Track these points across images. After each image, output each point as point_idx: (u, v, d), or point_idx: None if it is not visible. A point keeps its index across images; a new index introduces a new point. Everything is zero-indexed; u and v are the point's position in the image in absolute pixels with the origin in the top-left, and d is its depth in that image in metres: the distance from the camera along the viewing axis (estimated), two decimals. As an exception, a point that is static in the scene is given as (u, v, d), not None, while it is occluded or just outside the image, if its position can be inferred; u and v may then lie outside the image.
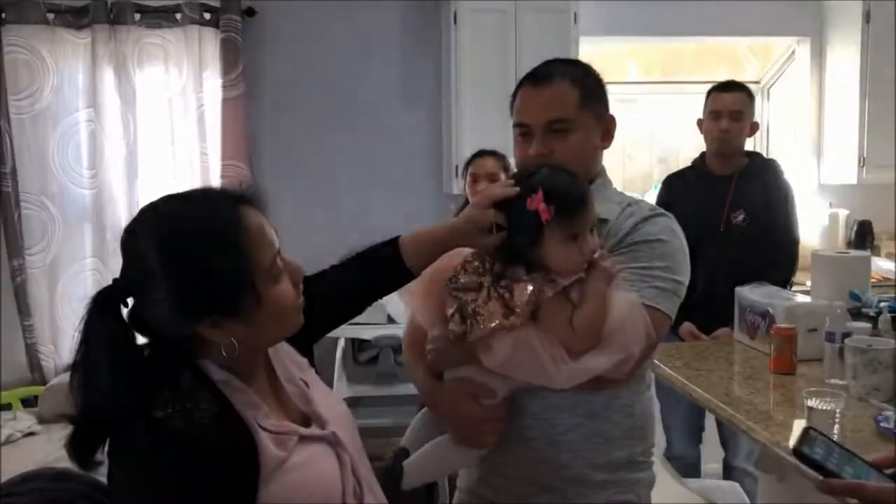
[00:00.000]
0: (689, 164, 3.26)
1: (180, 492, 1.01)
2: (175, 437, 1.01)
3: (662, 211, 1.56)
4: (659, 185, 3.39)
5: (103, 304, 1.08)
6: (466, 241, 1.38)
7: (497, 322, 1.33)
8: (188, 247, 1.06)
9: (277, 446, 1.10)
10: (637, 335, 1.35)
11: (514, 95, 1.59)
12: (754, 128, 3.10)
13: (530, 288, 1.33)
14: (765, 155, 3.78)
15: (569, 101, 1.51)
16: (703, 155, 3.18)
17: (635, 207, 1.55)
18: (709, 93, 3.12)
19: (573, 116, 1.51)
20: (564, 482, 1.50)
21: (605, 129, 1.58)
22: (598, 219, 1.46)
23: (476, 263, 1.40)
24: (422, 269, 1.40)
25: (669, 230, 1.52)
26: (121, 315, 1.09)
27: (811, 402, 1.82)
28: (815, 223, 4.40)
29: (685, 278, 1.50)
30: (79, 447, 1.06)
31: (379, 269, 1.40)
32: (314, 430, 1.19)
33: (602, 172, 1.61)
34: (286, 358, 1.28)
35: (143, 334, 1.12)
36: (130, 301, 1.11)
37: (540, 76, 1.54)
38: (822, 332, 2.28)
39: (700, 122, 3.14)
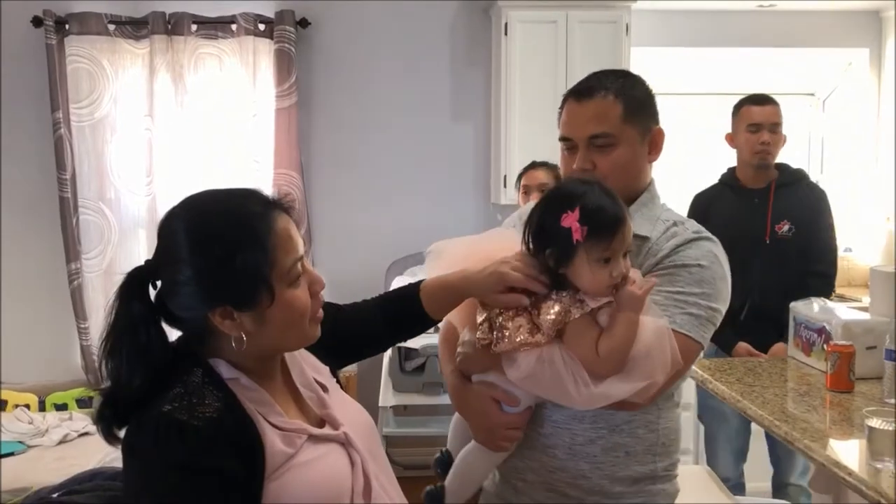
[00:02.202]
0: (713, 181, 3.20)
1: (180, 486, 1.03)
2: (177, 430, 1.04)
3: (708, 235, 1.53)
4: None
5: (133, 283, 1.13)
6: (484, 295, 1.40)
7: (522, 338, 1.34)
8: (215, 235, 1.11)
9: (285, 443, 1.12)
10: (663, 363, 1.33)
11: (561, 108, 1.59)
12: (785, 140, 3.09)
13: (557, 308, 1.33)
14: (821, 169, 3.71)
15: (611, 116, 1.50)
16: (731, 169, 3.13)
17: (679, 228, 1.53)
18: (739, 106, 3.08)
19: (615, 131, 1.50)
20: (582, 492, 1.50)
21: (653, 141, 1.56)
22: (637, 236, 1.44)
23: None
24: (442, 316, 1.45)
25: (711, 255, 1.49)
26: (148, 296, 1.14)
27: (872, 422, 1.77)
28: (873, 237, 4.29)
29: (723, 306, 1.48)
30: (103, 424, 1.11)
31: (401, 313, 1.45)
32: (326, 431, 1.20)
33: (650, 186, 1.59)
34: (304, 362, 1.29)
35: (167, 322, 1.16)
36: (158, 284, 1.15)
37: (583, 90, 1.54)
38: (881, 349, 2.22)
39: (730, 137, 3.10)
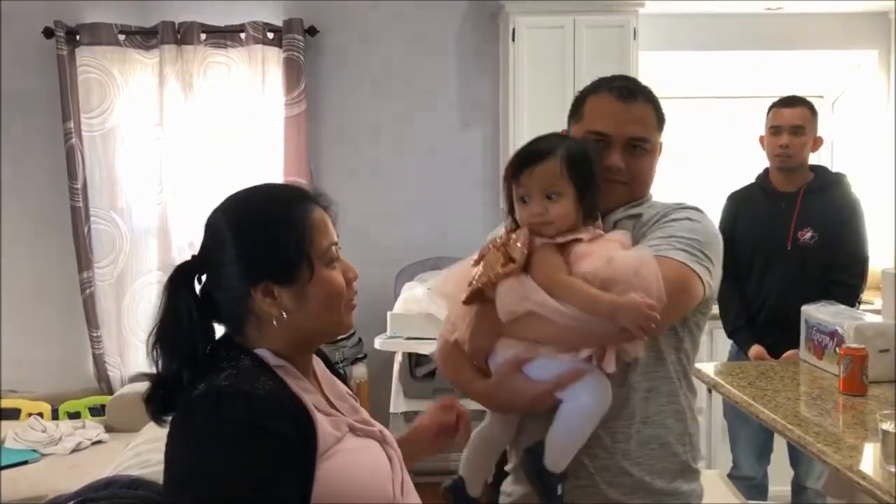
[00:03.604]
0: (750, 181, 3.20)
1: (247, 448, 1.05)
2: (241, 396, 1.08)
3: (693, 206, 1.59)
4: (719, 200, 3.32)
5: (181, 275, 1.20)
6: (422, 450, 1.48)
7: (497, 270, 1.41)
8: (256, 217, 1.20)
9: (332, 426, 1.16)
10: (646, 290, 1.35)
11: (582, 101, 1.60)
12: (818, 142, 3.04)
13: (523, 234, 1.43)
14: (831, 169, 3.69)
15: (650, 123, 1.57)
16: (766, 171, 3.11)
17: (670, 205, 1.59)
18: (769, 109, 3.07)
19: (652, 138, 1.57)
20: (624, 491, 1.50)
21: (658, 151, 1.64)
22: (631, 215, 1.55)
23: (501, 235, 1.50)
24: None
25: (699, 214, 1.55)
26: (194, 289, 1.20)
27: (885, 426, 1.77)
28: (884, 240, 4.27)
29: (716, 259, 1.50)
30: (153, 406, 1.17)
31: None
32: (363, 426, 1.24)
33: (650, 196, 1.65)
34: (333, 379, 1.34)
35: (213, 317, 1.22)
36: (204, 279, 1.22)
37: (624, 91, 1.56)
38: (894, 352, 2.21)
39: (762, 139, 3.09)
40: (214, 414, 1.07)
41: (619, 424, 1.50)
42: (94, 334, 4.01)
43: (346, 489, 1.13)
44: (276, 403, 1.09)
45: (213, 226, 1.21)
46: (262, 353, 1.18)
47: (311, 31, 4.04)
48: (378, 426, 1.27)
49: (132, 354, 4.03)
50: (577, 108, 1.61)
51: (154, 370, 1.17)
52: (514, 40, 3.90)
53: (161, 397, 1.16)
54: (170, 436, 1.13)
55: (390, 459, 1.24)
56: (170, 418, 1.15)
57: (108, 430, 3.61)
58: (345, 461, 1.14)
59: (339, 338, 3.02)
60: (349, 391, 1.36)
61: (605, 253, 1.42)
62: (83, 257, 3.96)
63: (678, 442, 1.55)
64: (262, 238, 1.17)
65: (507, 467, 1.67)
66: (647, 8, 3.92)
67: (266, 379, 1.12)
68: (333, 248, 1.21)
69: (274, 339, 1.18)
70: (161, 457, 1.94)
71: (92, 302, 3.99)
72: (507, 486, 1.67)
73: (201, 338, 1.17)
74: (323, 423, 1.14)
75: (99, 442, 3.51)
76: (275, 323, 1.17)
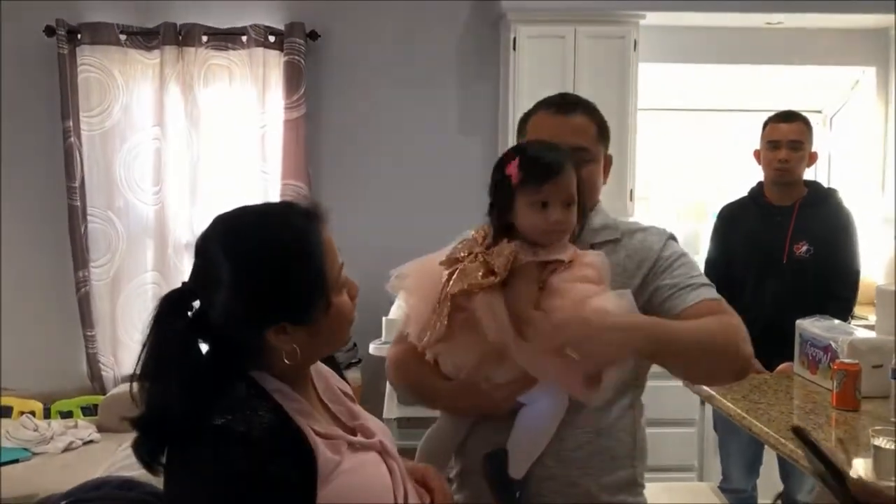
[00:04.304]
0: (743, 194, 3.21)
1: (244, 495, 1.03)
2: (238, 441, 1.04)
3: (660, 229, 1.65)
4: (715, 215, 3.33)
5: (173, 306, 1.12)
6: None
7: (474, 279, 1.40)
8: (267, 255, 1.11)
9: (332, 450, 1.13)
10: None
11: (525, 122, 1.66)
12: (814, 157, 3.06)
13: (508, 250, 1.41)
14: (825, 185, 3.70)
15: (590, 133, 1.61)
16: (760, 185, 3.13)
17: (644, 233, 1.62)
18: (766, 123, 3.08)
19: (592, 147, 1.60)
20: (569, 501, 1.51)
21: (606, 165, 1.67)
22: (609, 240, 1.58)
23: (471, 239, 1.50)
24: None
25: (681, 247, 1.63)
26: (188, 318, 1.13)
27: (878, 441, 1.78)
28: (878, 256, 4.29)
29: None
30: (144, 450, 1.09)
31: None
32: (361, 439, 1.22)
33: (599, 202, 1.68)
34: (328, 375, 1.31)
35: (205, 341, 1.15)
36: (196, 305, 1.14)
37: (562, 105, 1.62)
38: (887, 368, 2.22)
39: (757, 153, 3.10)
40: (213, 459, 1.03)
41: (571, 433, 1.51)
42: (89, 333, 4.00)
43: None
44: (273, 446, 1.05)
45: (209, 259, 1.12)
46: (259, 376, 1.14)
47: (313, 36, 4.05)
48: (378, 437, 1.24)
49: (126, 354, 4.02)
50: (522, 127, 1.67)
51: (139, 411, 1.08)
52: (514, 49, 3.91)
53: (156, 439, 1.08)
54: (167, 470, 1.08)
55: (391, 471, 1.22)
56: (164, 458, 1.09)
57: (101, 429, 3.60)
58: (344, 483, 1.12)
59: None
60: (347, 388, 1.33)
61: (577, 295, 1.41)
62: (79, 256, 3.96)
63: (628, 456, 1.56)
64: (275, 282, 1.09)
65: (451, 474, 1.67)
66: (647, 20, 3.93)
67: (264, 413, 1.08)
68: (342, 271, 1.16)
69: (275, 364, 1.14)
70: (153, 458, 1.93)
71: (87, 301, 3.98)
72: (453, 493, 1.64)
73: (194, 368, 1.10)
74: (323, 451, 1.11)
75: (91, 442, 3.51)
76: (285, 359, 1.12)
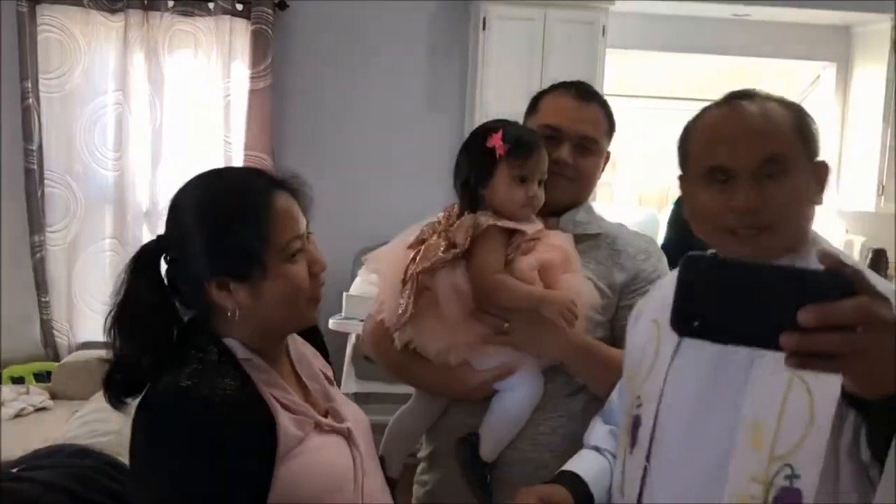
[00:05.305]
0: None
1: (200, 457, 1.05)
2: (200, 403, 1.06)
3: (649, 240, 1.67)
4: (674, 203, 3.40)
5: (147, 255, 1.16)
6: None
7: (436, 254, 1.43)
8: (216, 209, 1.15)
9: (296, 426, 1.14)
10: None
11: (539, 98, 1.65)
12: None
13: (469, 221, 1.44)
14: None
15: (601, 126, 1.61)
16: None
17: (643, 246, 1.63)
18: None
19: (601, 140, 1.61)
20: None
21: (605, 161, 1.68)
22: (589, 234, 1.60)
23: (437, 220, 1.52)
24: None
25: (659, 252, 1.65)
26: (159, 271, 1.17)
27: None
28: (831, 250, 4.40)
29: None
30: (111, 394, 1.14)
31: None
32: (330, 421, 1.22)
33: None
34: (310, 355, 1.32)
35: (178, 301, 1.19)
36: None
37: (582, 92, 1.61)
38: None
39: None
40: (174, 417, 1.06)
41: (545, 417, 1.53)
42: (43, 299, 3.94)
43: (306, 490, 1.12)
44: (234, 413, 1.07)
45: (175, 208, 1.18)
46: (231, 343, 1.16)
47: (281, 6, 3.99)
48: (347, 423, 1.24)
49: (81, 322, 3.97)
50: (534, 105, 1.66)
51: (111, 352, 1.13)
52: (484, 29, 3.91)
53: (120, 381, 1.13)
54: (133, 424, 1.11)
55: (353, 460, 1.22)
56: (130, 402, 1.13)
57: (54, 396, 3.56)
58: (305, 462, 1.13)
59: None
60: (328, 371, 1.34)
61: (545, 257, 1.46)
62: (35, 220, 3.88)
63: None
64: (219, 232, 1.13)
65: (420, 454, 1.68)
66: (616, 6, 3.96)
67: (230, 379, 1.10)
68: (297, 241, 1.16)
69: (237, 330, 1.16)
70: (109, 426, 1.94)
71: (42, 266, 3.92)
72: (422, 474, 1.68)
73: (164, 322, 1.15)
74: (285, 425, 1.12)
75: (43, 409, 3.46)
76: (229, 316, 1.14)
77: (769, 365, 1.07)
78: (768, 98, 1.19)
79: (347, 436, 1.23)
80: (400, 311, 1.46)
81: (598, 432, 1.39)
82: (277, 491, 1.09)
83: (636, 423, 1.22)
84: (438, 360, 1.50)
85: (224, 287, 1.13)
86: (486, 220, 1.43)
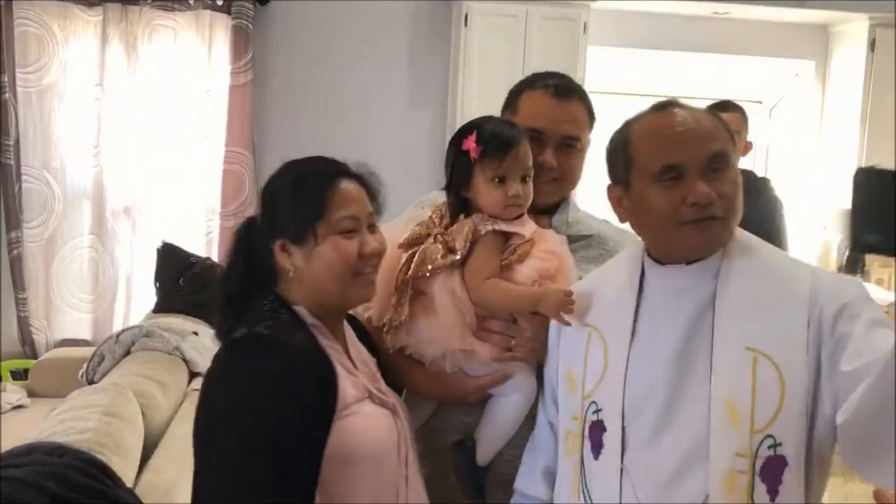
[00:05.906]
0: None
1: (273, 387, 1.18)
2: (277, 344, 1.22)
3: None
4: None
5: (246, 227, 1.37)
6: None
7: (435, 260, 1.41)
8: (287, 183, 1.34)
9: (354, 387, 1.27)
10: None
11: (517, 94, 1.63)
12: (748, 147, 3.15)
13: (467, 226, 1.43)
14: (758, 174, 3.81)
15: (583, 121, 1.59)
16: None
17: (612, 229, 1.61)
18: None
19: (583, 136, 1.59)
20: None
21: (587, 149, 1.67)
22: (582, 235, 1.59)
23: (428, 220, 1.49)
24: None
25: None
26: (249, 241, 1.36)
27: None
28: (808, 246, 4.44)
29: None
30: (219, 327, 1.32)
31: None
32: (381, 395, 1.33)
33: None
34: (358, 345, 1.40)
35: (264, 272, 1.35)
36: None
37: (561, 89, 1.58)
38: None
39: None
40: (255, 358, 1.21)
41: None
42: (20, 296, 3.89)
43: (358, 449, 1.23)
44: (305, 355, 1.22)
45: (264, 187, 1.38)
46: (301, 310, 1.30)
47: (262, 1, 3.98)
48: (392, 399, 1.35)
49: (59, 319, 3.94)
50: (512, 101, 1.63)
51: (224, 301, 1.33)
52: (466, 25, 3.91)
53: (227, 321, 1.31)
54: (210, 372, 1.25)
55: (399, 435, 1.31)
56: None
57: (31, 394, 3.52)
58: (360, 423, 1.24)
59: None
60: (372, 361, 1.40)
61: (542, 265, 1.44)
62: (12, 216, 3.84)
63: None
64: (284, 202, 1.31)
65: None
66: (598, 4, 3.98)
67: (301, 334, 1.25)
68: (349, 220, 1.29)
69: (298, 296, 1.30)
70: (87, 424, 1.92)
71: (19, 263, 3.87)
72: None
73: (244, 285, 1.32)
74: (345, 382, 1.24)
75: (20, 406, 3.43)
76: (291, 275, 1.29)
77: (731, 347, 1.15)
78: (691, 107, 1.28)
79: (394, 411, 1.33)
80: (395, 317, 1.45)
81: (531, 477, 1.43)
82: (335, 443, 1.19)
83: (599, 429, 1.24)
84: (433, 367, 1.48)
85: (285, 249, 1.29)
86: (484, 226, 1.42)
